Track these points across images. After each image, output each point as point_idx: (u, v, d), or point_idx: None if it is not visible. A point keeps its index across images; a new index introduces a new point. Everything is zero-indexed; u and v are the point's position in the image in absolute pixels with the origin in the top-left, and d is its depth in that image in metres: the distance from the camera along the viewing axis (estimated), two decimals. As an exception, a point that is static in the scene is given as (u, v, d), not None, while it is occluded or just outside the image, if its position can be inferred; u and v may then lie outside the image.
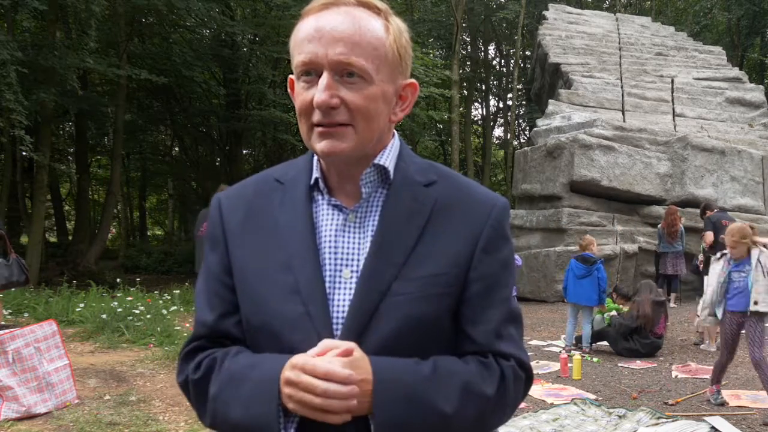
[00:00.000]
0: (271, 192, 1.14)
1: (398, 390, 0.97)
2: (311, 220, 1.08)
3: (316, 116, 1.02)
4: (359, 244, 1.07)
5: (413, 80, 1.12)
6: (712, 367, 5.36)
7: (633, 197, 11.90)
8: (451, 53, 20.38)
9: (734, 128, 13.62)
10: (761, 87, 15.73)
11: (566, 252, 10.80)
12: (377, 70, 1.03)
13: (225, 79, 18.81)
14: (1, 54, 9.97)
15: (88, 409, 4.86)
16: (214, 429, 1.06)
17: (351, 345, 0.97)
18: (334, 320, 1.03)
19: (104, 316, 7.79)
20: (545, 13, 18.65)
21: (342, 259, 1.06)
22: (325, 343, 0.97)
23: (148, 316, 8.07)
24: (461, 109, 22.91)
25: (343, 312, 1.03)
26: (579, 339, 7.49)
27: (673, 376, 6.23)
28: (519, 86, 24.25)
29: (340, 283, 1.05)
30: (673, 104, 14.08)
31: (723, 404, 5.12)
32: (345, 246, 1.07)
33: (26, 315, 8.41)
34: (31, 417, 4.61)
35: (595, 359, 6.98)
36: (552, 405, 5.21)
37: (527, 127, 26.98)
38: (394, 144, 1.14)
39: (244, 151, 22.67)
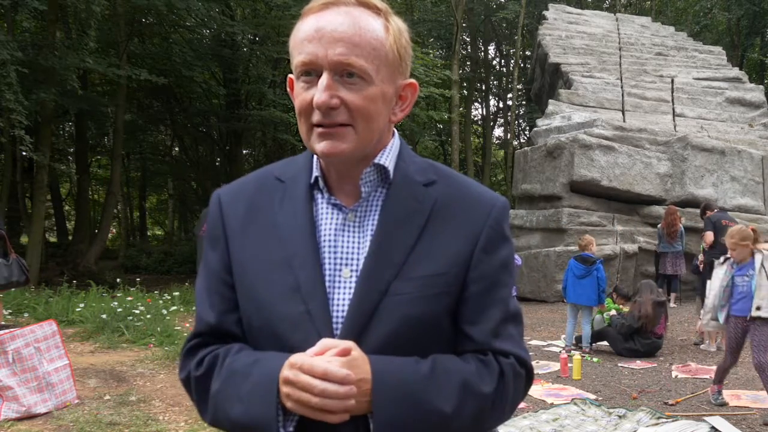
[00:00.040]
0: (272, 190, 1.13)
1: (397, 389, 0.97)
2: (311, 220, 1.08)
3: (316, 116, 1.02)
4: (359, 243, 1.07)
5: (413, 80, 1.12)
6: (712, 367, 5.36)
7: (633, 197, 11.89)
8: (451, 53, 20.37)
9: (734, 128, 13.62)
10: (761, 87, 15.72)
11: (566, 252, 10.80)
12: (377, 71, 1.03)
13: (225, 79, 18.82)
14: (1, 54, 9.98)
15: (88, 409, 4.86)
16: (215, 426, 1.07)
17: (349, 344, 0.97)
18: (334, 319, 1.03)
19: (104, 316, 7.80)
20: (545, 13, 18.63)
21: (342, 258, 1.06)
22: (324, 342, 0.97)
23: (148, 316, 8.08)
24: (461, 109, 22.90)
25: (342, 311, 1.04)
26: (579, 339, 7.49)
27: (673, 376, 6.22)
28: (519, 86, 24.26)
29: (339, 282, 1.05)
30: (673, 104, 14.07)
31: (723, 405, 5.12)
32: (344, 245, 1.07)
33: (26, 315, 8.42)
34: (31, 417, 4.61)
35: (595, 359, 6.98)
36: (552, 405, 5.20)
37: (527, 127, 26.97)
38: (394, 143, 1.13)
39: (244, 151, 22.68)
